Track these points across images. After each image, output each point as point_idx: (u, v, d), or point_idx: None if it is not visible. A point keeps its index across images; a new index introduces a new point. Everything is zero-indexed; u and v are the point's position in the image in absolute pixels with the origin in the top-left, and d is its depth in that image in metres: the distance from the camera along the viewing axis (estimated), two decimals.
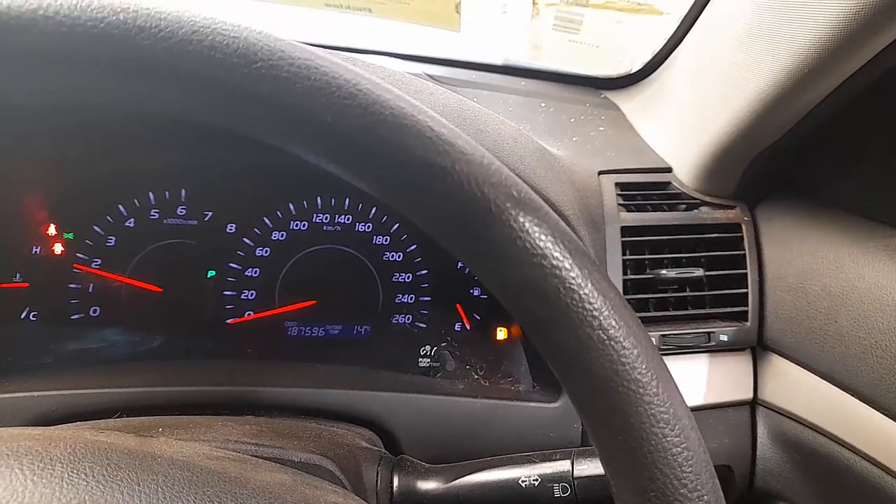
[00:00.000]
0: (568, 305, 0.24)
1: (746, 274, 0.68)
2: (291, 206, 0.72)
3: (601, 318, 0.24)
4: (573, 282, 0.24)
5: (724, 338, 0.67)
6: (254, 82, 0.24)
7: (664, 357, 0.66)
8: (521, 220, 0.25)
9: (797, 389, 0.64)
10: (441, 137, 0.25)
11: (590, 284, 0.25)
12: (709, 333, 0.67)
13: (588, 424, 0.26)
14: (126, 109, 0.26)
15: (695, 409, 0.67)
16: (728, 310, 0.68)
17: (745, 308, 0.68)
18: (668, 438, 0.24)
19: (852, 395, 0.58)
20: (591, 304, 0.24)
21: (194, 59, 0.24)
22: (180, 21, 0.24)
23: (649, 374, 0.25)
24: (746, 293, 0.68)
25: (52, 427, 0.44)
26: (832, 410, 0.60)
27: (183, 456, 0.33)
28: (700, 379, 0.68)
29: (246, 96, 0.24)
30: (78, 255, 0.68)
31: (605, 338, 0.24)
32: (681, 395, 0.26)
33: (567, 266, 0.25)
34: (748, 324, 0.68)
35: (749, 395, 0.69)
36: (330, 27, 0.97)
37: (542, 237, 0.25)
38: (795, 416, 0.65)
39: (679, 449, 0.24)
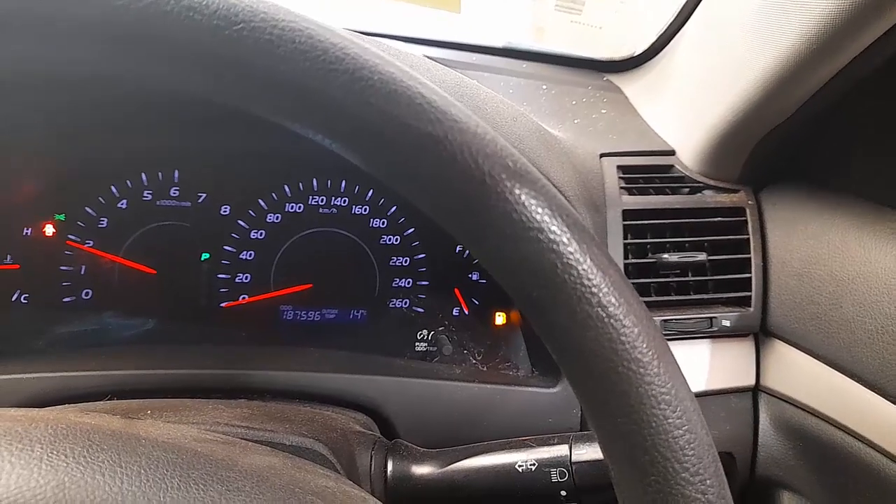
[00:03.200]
0: (565, 282, 0.23)
1: (750, 258, 0.68)
2: (287, 188, 0.71)
3: (600, 294, 0.23)
4: (571, 257, 0.23)
5: (726, 323, 0.66)
6: (235, 45, 0.23)
7: None
8: (517, 192, 0.23)
9: (800, 376, 0.64)
10: (433, 105, 0.24)
11: (588, 260, 0.24)
12: (711, 319, 0.66)
13: (586, 406, 0.25)
14: (101, 75, 0.25)
15: (696, 396, 0.67)
16: (731, 295, 0.68)
17: (748, 293, 0.67)
18: (670, 420, 0.23)
19: (856, 381, 0.57)
20: (589, 280, 0.23)
21: (171, 22, 0.23)
22: None
23: (650, 353, 0.24)
24: (750, 278, 0.67)
25: (36, 409, 0.43)
26: (836, 397, 0.59)
27: (169, 438, 0.32)
28: (702, 365, 0.67)
29: (226, 61, 0.23)
30: (70, 236, 0.67)
31: (604, 315, 0.23)
32: (683, 376, 0.25)
33: (565, 241, 0.23)
34: (751, 309, 0.67)
35: (751, 381, 0.69)
36: (328, 9, 0.96)
37: (539, 210, 0.24)
38: (798, 402, 0.64)
39: (681, 431, 0.23)
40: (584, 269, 0.23)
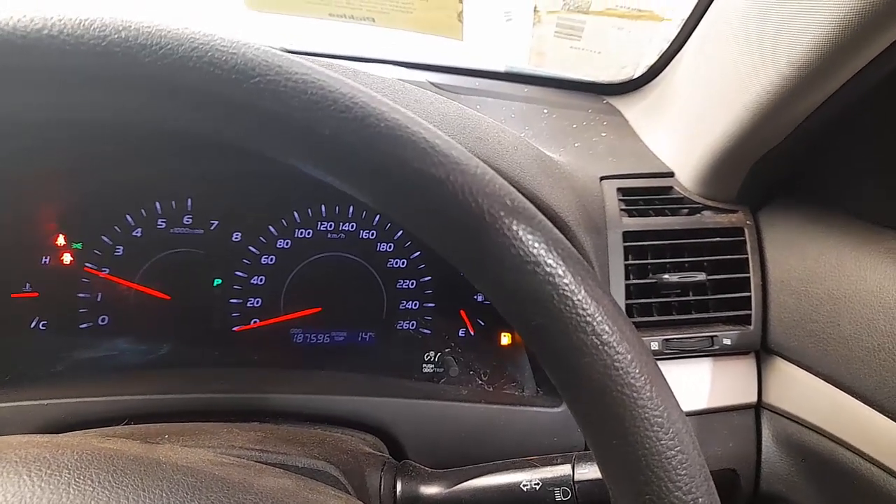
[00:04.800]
0: (562, 312, 0.25)
1: (749, 278, 0.68)
2: (296, 215, 0.73)
3: (594, 323, 0.25)
4: (566, 288, 0.25)
5: (727, 342, 0.67)
6: (252, 97, 0.25)
7: (668, 362, 0.67)
8: (515, 228, 0.25)
9: (801, 393, 0.64)
10: (436, 148, 0.26)
11: (583, 291, 0.25)
12: (712, 337, 0.67)
13: (584, 429, 0.26)
14: (128, 123, 0.26)
15: (699, 413, 0.68)
16: (731, 314, 0.69)
17: (748, 312, 0.68)
18: (663, 442, 0.24)
19: (856, 397, 0.58)
20: (584, 309, 0.25)
21: (194, 76, 0.25)
22: (180, 38, 0.25)
23: (643, 378, 0.25)
24: (749, 297, 0.68)
25: (59, 434, 0.44)
26: (836, 413, 0.60)
27: (187, 462, 0.33)
28: (704, 383, 0.68)
29: (245, 111, 0.25)
30: (87, 264, 0.69)
31: (599, 343, 0.25)
32: (675, 399, 0.26)
33: (560, 273, 0.25)
34: (751, 327, 0.68)
35: (753, 398, 0.69)
36: (334, 37, 0.98)
37: (536, 245, 0.25)
38: (800, 419, 0.65)
39: (673, 452, 0.24)
40: (578, 300, 0.25)
